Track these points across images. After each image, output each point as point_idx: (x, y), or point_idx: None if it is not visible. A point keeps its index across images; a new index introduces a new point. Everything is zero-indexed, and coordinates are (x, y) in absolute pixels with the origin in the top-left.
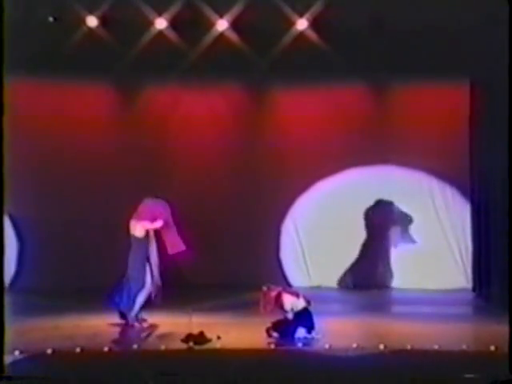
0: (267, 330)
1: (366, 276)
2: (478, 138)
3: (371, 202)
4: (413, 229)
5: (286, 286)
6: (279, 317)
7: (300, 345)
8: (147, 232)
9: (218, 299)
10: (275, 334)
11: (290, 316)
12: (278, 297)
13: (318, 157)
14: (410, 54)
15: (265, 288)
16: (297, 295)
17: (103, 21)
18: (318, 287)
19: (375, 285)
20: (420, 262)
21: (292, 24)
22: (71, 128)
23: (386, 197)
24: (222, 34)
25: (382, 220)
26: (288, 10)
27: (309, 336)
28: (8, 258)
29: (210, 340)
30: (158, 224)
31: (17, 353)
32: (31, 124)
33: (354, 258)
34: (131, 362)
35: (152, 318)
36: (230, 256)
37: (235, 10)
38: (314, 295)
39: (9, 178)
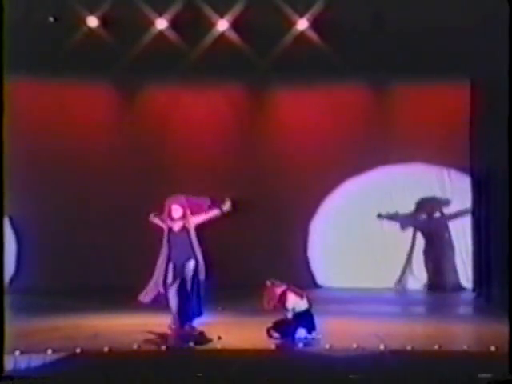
0: (268, 330)
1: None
2: (479, 137)
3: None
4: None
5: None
6: (281, 314)
7: (301, 345)
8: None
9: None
10: (276, 335)
11: (290, 315)
12: (283, 294)
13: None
14: (410, 53)
15: (269, 283)
16: (301, 296)
17: (103, 21)
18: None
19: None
20: (420, 262)
21: (292, 24)
22: (71, 128)
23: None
24: (222, 34)
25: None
26: (288, 10)
27: (309, 336)
28: (8, 258)
29: (210, 340)
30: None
31: (17, 353)
32: (31, 124)
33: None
34: (131, 362)
35: (153, 318)
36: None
37: (236, 10)
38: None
39: (8, 178)
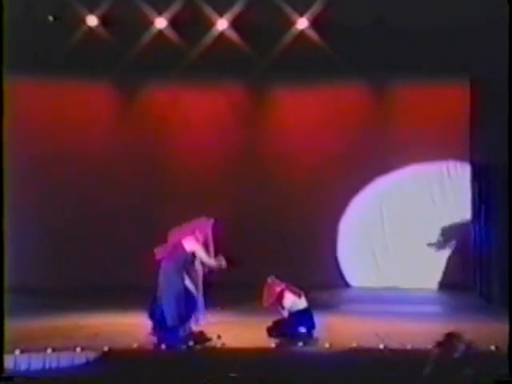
0: (268, 329)
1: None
2: (479, 136)
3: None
4: (412, 228)
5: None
6: (278, 312)
7: (300, 344)
8: None
9: None
10: (276, 334)
11: (285, 314)
12: (281, 293)
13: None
14: (410, 53)
15: (269, 280)
16: (299, 295)
17: (103, 20)
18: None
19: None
20: (420, 261)
21: (292, 23)
22: (71, 127)
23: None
24: (222, 34)
25: None
26: (288, 9)
27: (309, 335)
28: (8, 258)
29: (210, 339)
30: None
31: (17, 353)
32: (31, 123)
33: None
34: (131, 362)
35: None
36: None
37: (235, 9)
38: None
39: (9, 178)
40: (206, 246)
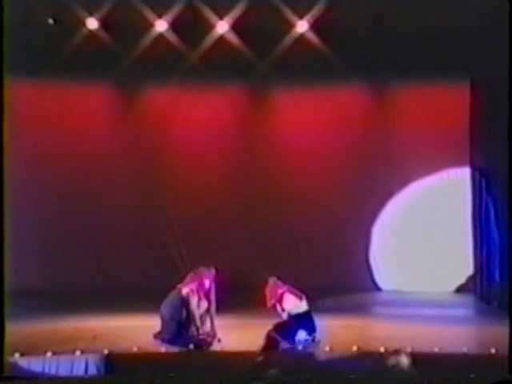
0: (268, 333)
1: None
2: (479, 137)
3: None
4: (413, 231)
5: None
6: (277, 314)
7: (300, 347)
8: None
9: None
10: (276, 337)
11: (284, 316)
12: (282, 295)
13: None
14: (410, 54)
15: (271, 281)
16: (300, 297)
17: (103, 23)
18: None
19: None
20: (421, 265)
21: (292, 26)
22: (72, 130)
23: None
24: (222, 36)
25: None
26: (288, 12)
27: (309, 338)
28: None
29: (210, 343)
30: None
31: (17, 356)
32: (31, 126)
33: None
34: (132, 364)
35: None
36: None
37: (235, 12)
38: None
39: (9, 179)
40: (202, 295)
